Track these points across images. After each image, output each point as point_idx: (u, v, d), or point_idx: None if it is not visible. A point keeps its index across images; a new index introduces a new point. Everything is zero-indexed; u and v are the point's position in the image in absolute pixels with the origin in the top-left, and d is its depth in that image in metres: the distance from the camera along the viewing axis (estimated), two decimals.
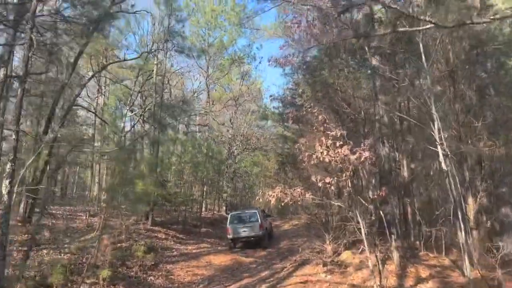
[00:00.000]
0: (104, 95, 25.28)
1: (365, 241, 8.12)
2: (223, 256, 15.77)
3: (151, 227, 17.55)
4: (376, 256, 8.69)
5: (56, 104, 13.42)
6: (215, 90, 33.16)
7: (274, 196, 8.07)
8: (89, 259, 9.40)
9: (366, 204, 8.96)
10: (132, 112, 25.37)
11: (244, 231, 17.19)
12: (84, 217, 16.41)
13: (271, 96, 15.50)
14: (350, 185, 8.07)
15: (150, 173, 18.73)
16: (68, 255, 9.56)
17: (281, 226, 26.58)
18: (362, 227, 8.17)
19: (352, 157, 7.37)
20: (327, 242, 11.99)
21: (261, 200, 8.37)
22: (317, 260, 11.74)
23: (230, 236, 17.32)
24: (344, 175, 7.98)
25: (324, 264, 11.25)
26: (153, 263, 12.62)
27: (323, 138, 7.93)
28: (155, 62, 21.46)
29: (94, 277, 8.65)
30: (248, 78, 35.33)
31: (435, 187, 13.50)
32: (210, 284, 11.96)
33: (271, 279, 11.61)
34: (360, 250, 10.61)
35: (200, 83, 33.95)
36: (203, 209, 28.03)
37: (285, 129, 19.63)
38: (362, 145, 7.56)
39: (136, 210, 13.36)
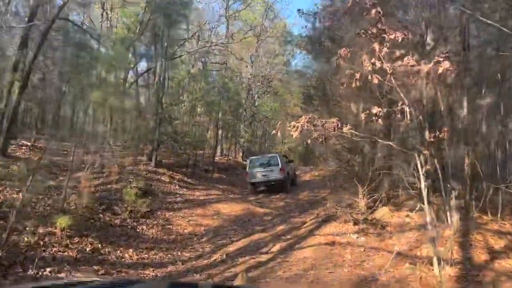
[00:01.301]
0: (110, 21, 22.63)
1: (424, 195, 5.68)
2: (235, 204, 13.80)
3: (154, 169, 15.50)
4: (432, 217, 6.28)
5: (35, 14, 11.01)
6: (235, 19, 29.53)
7: (298, 128, 5.55)
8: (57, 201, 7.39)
9: (422, 149, 6.44)
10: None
11: (265, 175, 16.38)
12: (81, 154, 14.52)
13: (299, 10, 12.38)
14: (409, 117, 5.50)
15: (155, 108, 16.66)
16: (29, 195, 7.55)
17: (301, 176, 24.31)
18: (421, 176, 5.73)
19: (424, 69, 4.72)
20: (360, 195, 9.63)
21: (278, 134, 5.85)
22: (346, 216, 9.43)
23: (250, 181, 16.80)
24: (401, 102, 5.42)
25: (355, 223, 9.00)
26: (148, 209, 10.61)
27: (376, 45, 5.26)
28: None
29: (53, 226, 6.63)
30: (273, 14, 31.57)
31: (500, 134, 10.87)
32: (214, 238, 9.97)
33: (288, 236, 9.49)
34: (406, 208, 8.22)
35: (219, 17, 30.59)
36: (218, 153, 25.96)
37: (314, 56, 16.48)
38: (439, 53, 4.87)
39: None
